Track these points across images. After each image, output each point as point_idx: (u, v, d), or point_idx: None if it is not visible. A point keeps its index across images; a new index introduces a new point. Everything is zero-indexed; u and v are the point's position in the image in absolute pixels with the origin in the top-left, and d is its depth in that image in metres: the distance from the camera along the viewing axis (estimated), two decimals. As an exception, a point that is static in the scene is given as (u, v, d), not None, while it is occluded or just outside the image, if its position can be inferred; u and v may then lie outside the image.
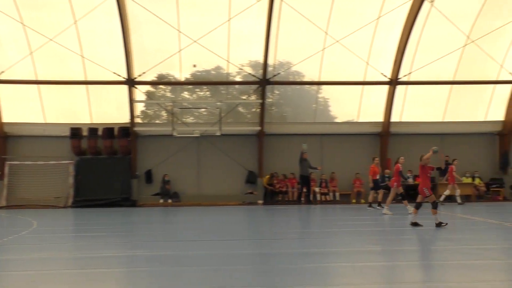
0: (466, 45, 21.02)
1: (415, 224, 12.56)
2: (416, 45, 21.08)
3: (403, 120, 22.66)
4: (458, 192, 19.95)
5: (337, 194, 22.17)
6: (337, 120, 23.55)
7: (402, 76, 21.41)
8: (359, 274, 7.76)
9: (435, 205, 12.39)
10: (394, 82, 21.42)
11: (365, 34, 20.75)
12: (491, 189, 22.19)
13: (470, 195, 21.85)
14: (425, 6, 19.73)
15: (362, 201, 21.65)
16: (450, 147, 22.40)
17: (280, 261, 8.82)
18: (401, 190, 16.81)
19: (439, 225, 12.34)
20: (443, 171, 21.45)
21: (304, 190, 20.71)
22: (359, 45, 20.98)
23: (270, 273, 7.80)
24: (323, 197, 21.86)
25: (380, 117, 22.26)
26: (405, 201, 16.94)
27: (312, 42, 20.96)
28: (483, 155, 23.01)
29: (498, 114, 22.61)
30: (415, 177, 21.51)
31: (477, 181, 22.30)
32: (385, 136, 22.31)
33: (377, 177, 18.51)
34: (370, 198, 18.74)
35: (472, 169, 22.44)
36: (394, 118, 22.29)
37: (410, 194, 21.36)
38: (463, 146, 22.46)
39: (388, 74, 21.41)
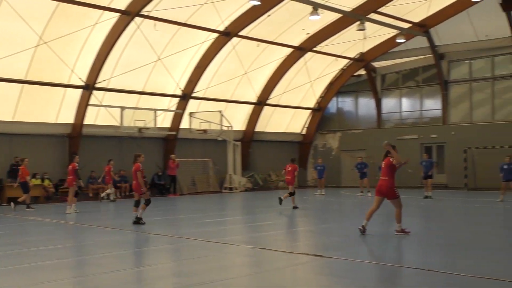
0: (38, 45, 20.88)
1: (138, 222, 13.15)
2: (-15, 39, 19.72)
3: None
4: (113, 190, 21.83)
5: None
6: None
7: (-32, 70, 19.67)
8: None
9: (148, 202, 13.22)
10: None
11: None
12: (60, 190, 22.66)
13: (39, 197, 21.81)
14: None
15: None
16: (20, 147, 21.86)
17: None
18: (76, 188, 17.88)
19: (137, 222, 13.09)
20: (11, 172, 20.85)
21: None
22: None
23: None
24: None
25: None
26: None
27: None
28: (53, 156, 23.32)
29: (69, 117, 23.33)
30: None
31: (46, 182, 22.40)
32: None
33: (27, 179, 18.41)
34: (27, 199, 18.53)
35: (42, 171, 22.42)
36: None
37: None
38: (34, 147, 22.22)
39: (-50, 66, 19.29)
